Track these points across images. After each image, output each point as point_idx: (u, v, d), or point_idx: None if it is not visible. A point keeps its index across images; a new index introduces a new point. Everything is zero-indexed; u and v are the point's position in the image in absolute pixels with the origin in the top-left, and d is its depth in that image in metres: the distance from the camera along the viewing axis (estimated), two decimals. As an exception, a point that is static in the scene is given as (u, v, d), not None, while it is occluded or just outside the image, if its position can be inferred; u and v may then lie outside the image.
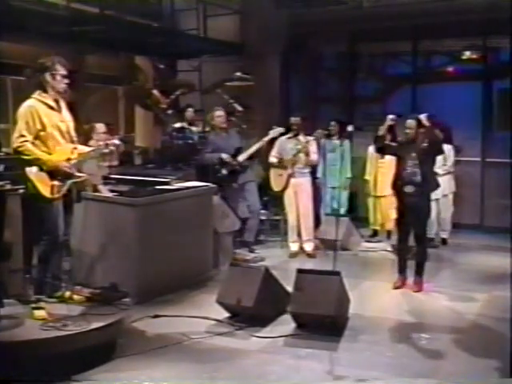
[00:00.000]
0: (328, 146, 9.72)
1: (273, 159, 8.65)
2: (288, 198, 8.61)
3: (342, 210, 9.71)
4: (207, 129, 9.66)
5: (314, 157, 8.54)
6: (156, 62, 11.30)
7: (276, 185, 8.66)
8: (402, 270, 7.07)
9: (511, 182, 8.15)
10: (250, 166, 8.68)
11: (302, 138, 8.54)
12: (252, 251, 8.54)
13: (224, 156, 8.35)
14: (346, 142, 9.85)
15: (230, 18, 11.47)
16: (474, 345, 5.41)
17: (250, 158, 8.57)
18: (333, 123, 9.60)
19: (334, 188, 9.67)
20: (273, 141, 8.71)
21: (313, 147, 8.49)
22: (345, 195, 9.91)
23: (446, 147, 9.07)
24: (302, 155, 8.45)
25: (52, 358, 4.58)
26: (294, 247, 8.68)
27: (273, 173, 8.69)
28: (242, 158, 8.49)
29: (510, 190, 8.30)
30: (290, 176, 8.50)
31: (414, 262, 7.02)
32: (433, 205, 8.97)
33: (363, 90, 11.46)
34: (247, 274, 6.01)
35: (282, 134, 8.70)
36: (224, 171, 8.37)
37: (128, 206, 6.43)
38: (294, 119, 8.63)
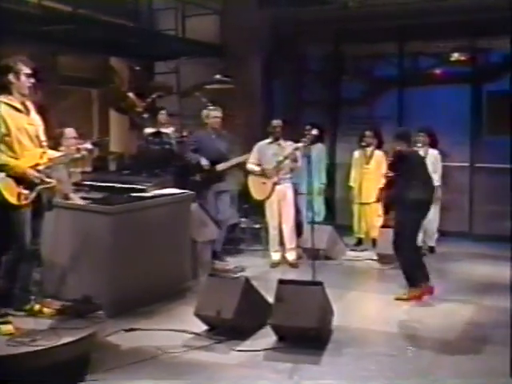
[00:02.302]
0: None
1: (253, 167, 8.59)
2: (270, 206, 8.59)
3: (319, 218, 9.72)
4: (185, 133, 9.67)
5: (300, 163, 8.50)
6: (132, 64, 11.26)
7: (258, 193, 8.60)
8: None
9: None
10: (226, 176, 8.69)
11: (282, 142, 8.54)
12: (222, 261, 8.52)
13: (203, 162, 8.34)
14: (321, 146, 9.91)
15: (210, 18, 11.45)
16: (462, 357, 5.42)
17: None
18: (308, 127, 9.61)
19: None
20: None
21: (298, 153, 8.49)
22: (320, 202, 9.97)
23: (432, 152, 9.19)
24: (287, 161, 8.44)
25: (20, 376, 4.52)
26: (276, 256, 8.67)
27: (254, 181, 8.62)
28: (220, 167, 8.49)
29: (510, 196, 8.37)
30: (275, 184, 8.48)
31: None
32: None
33: (348, 92, 11.50)
34: (226, 284, 6.02)
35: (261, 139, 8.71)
36: (198, 177, 8.37)
37: (102, 214, 6.39)
38: (275, 122, 8.61)
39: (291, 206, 8.62)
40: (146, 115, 9.87)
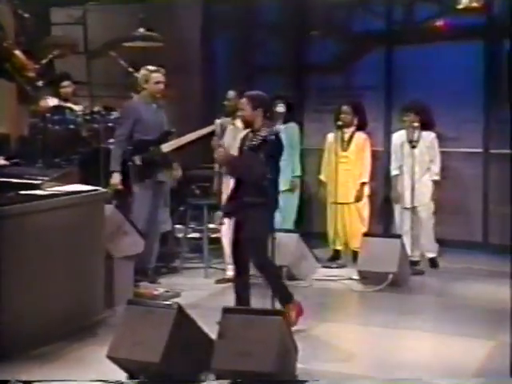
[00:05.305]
0: None
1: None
2: None
3: (289, 223, 9.75)
4: (96, 108, 9.56)
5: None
6: (19, 10, 11.10)
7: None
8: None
9: None
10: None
11: (239, 123, 8.56)
12: (153, 281, 8.53)
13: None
14: (293, 127, 9.90)
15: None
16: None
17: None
18: (281, 105, 9.60)
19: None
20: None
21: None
22: (294, 201, 9.99)
23: (427, 136, 9.27)
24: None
25: None
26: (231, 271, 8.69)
27: None
28: (166, 147, 8.54)
29: None
30: (221, 175, 8.62)
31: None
32: (406, 215, 9.17)
33: (318, 54, 11.55)
34: (153, 315, 5.93)
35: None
36: (138, 160, 8.36)
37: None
38: (231, 93, 8.78)
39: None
40: (40, 82, 9.76)
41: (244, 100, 7.11)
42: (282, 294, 7.02)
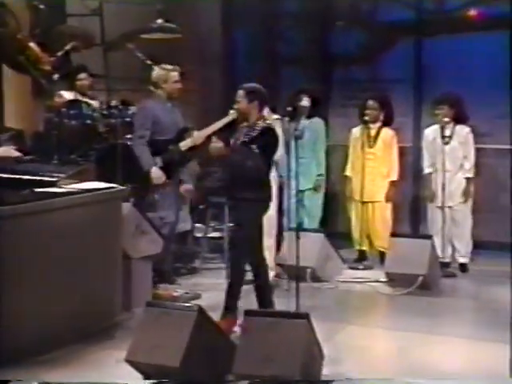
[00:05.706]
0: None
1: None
2: None
3: (314, 223, 9.76)
4: (114, 103, 9.59)
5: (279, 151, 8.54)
6: (34, 1, 11.12)
7: None
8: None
9: None
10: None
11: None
12: (173, 283, 8.59)
13: (155, 174, 8.37)
14: (319, 122, 9.89)
15: None
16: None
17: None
18: (306, 99, 9.59)
19: (303, 191, 9.68)
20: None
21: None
22: (318, 200, 9.99)
23: (461, 131, 9.22)
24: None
25: None
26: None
27: None
28: (184, 145, 8.56)
29: None
30: None
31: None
32: (438, 214, 9.12)
33: (343, 45, 11.53)
34: (172, 318, 5.95)
35: None
36: (158, 161, 8.41)
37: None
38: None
39: (273, 205, 8.63)
40: (55, 76, 9.78)
41: (240, 92, 7.16)
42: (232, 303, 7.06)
